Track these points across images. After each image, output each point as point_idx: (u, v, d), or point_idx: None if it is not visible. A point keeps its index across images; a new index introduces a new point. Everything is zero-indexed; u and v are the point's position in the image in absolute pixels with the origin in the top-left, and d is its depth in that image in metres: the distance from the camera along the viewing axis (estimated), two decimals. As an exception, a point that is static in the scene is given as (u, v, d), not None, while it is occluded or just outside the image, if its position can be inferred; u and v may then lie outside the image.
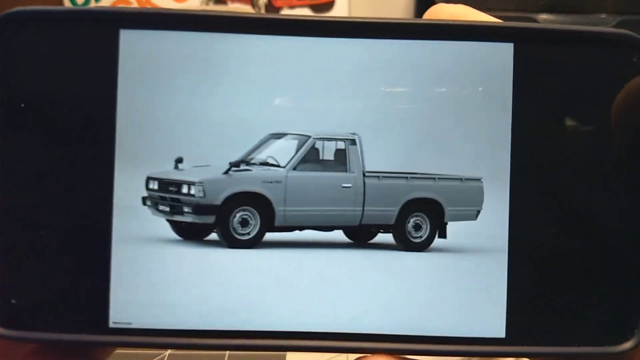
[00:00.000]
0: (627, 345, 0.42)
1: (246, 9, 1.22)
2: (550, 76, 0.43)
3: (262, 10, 1.22)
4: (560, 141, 0.44)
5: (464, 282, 0.44)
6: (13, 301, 0.42)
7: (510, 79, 0.43)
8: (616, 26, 1.11)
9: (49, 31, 0.42)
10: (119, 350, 0.48)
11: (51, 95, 0.42)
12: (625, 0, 1.15)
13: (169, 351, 0.85)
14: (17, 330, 0.42)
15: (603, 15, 1.14)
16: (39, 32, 0.42)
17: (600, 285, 0.43)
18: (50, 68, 0.42)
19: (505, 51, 0.43)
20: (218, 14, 0.44)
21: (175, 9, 0.44)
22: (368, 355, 0.42)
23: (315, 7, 1.25)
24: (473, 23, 0.44)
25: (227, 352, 0.84)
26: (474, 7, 0.46)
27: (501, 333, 0.43)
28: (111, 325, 0.42)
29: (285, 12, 1.24)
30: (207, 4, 1.23)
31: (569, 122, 0.44)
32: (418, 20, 0.44)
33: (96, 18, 0.42)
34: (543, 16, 1.14)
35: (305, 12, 1.24)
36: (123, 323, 0.42)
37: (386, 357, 0.42)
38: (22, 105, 0.42)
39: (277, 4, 1.24)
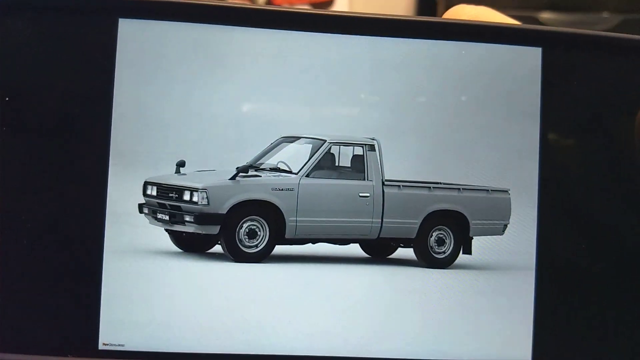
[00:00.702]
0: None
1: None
2: (580, 82, 0.42)
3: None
4: (591, 151, 0.43)
5: (489, 303, 0.42)
6: None
7: (538, 84, 0.42)
8: (618, 25, 1.12)
9: (42, 19, 0.40)
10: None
11: (39, 88, 0.40)
12: (627, -1, 1.17)
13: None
14: None
15: (605, 14, 1.14)
16: (32, 19, 0.40)
17: (634, 306, 0.42)
18: (40, 59, 0.40)
19: (533, 55, 0.42)
20: (230, 5, 0.42)
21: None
22: None
23: (315, 5, 1.27)
24: (500, 25, 0.43)
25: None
26: (479, 4, 0.45)
27: (527, 357, 0.42)
28: (101, 347, 0.40)
29: (285, 9, 1.26)
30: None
31: (601, 130, 0.43)
32: (443, 20, 0.43)
33: (93, 6, 0.41)
34: (545, 14, 1.13)
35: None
36: (114, 345, 0.40)
37: None
38: (7, 98, 0.40)
39: (277, 1, 1.25)
